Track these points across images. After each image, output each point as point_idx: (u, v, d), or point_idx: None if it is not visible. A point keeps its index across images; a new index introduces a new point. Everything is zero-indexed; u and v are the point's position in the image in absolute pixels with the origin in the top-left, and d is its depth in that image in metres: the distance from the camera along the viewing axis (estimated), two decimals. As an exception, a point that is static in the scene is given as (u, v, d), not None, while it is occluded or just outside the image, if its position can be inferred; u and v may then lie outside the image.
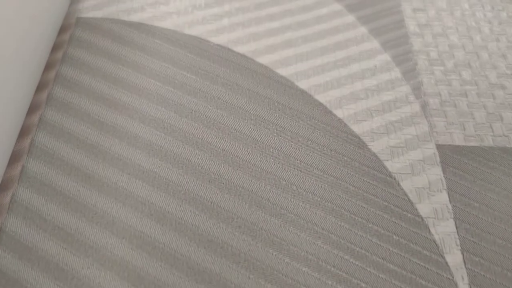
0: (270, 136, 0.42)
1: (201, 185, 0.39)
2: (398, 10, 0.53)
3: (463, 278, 0.35)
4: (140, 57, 0.47)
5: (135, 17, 0.50)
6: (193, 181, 0.39)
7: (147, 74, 0.45)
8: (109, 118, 0.42)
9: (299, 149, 0.41)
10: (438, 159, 0.42)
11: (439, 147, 0.42)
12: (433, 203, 0.39)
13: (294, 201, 0.38)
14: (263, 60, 0.47)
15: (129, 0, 0.52)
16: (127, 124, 0.42)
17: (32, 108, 0.43)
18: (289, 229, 0.36)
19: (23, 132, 0.41)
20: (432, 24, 0.52)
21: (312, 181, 0.39)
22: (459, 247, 0.37)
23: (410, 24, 0.52)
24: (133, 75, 0.45)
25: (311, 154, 0.41)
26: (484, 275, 0.35)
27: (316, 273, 0.34)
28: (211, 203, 0.38)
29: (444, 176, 0.41)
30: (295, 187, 0.39)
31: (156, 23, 0.50)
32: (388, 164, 0.41)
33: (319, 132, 0.42)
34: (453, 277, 0.35)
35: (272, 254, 0.35)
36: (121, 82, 0.44)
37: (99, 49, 0.47)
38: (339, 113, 0.44)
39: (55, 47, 0.47)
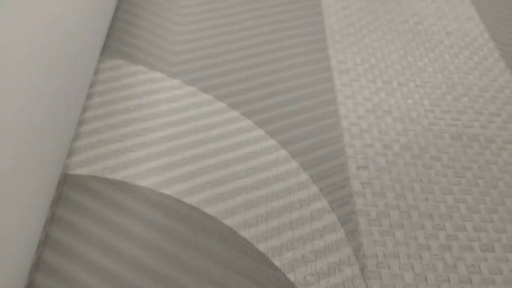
0: (233, 301, 0.49)
1: None
2: (345, 168, 0.63)
3: None
4: (121, 219, 0.53)
5: (118, 175, 0.57)
6: None
7: (129, 238, 0.52)
8: None
9: (256, 315, 0.48)
10: (372, 321, 0.50)
11: (373, 309, 0.51)
12: None
13: None
14: (229, 221, 0.55)
15: (113, 156, 0.59)
16: (109, 291, 0.48)
17: (24, 272, 0.48)
18: None
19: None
20: (373, 183, 0.62)
21: None
22: None
23: (354, 183, 0.61)
24: (115, 239, 0.52)
25: (266, 320, 0.48)
26: None
27: None
28: None
29: None
30: None
31: (137, 181, 0.57)
32: (331, 328, 0.49)
33: (274, 297, 0.50)
34: None
35: None
36: (113, 248, 0.51)
37: (86, 210, 0.54)
38: (291, 276, 0.52)
39: (46, 207, 0.54)
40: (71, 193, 0.55)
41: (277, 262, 0.53)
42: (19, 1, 0.46)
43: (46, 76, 0.49)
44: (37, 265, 0.49)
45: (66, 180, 0.56)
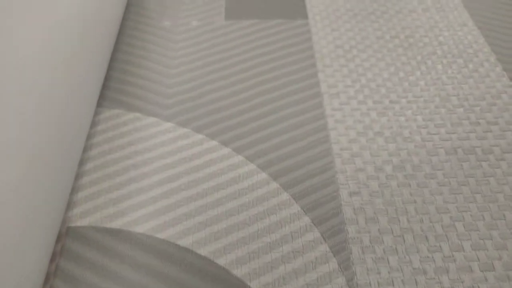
0: None
1: None
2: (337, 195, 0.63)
3: None
4: (120, 267, 0.56)
5: (116, 223, 0.60)
6: None
7: (126, 285, 0.54)
8: (93, 334, 0.51)
9: None
10: None
11: None
12: None
13: None
14: (221, 261, 0.57)
15: (111, 204, 0.62)
16: None
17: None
18: None
19: None
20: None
21: None
22: None
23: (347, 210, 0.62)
24: (114, 287, 0.54)
25: None
26: None
27: None
28: None
29: None
30: None
31: (134, 227, 0.60)
32: None
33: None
34: None
35: None
36: (103, 295, 0.54)
37: (87, 261, 0.57)
38: (284, 312, 0.52)
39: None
40: (72, 245, 0.59)
41: (269, 298, 0.54)
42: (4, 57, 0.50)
43: (44, 132, 0.52)
44: (42, 318, 0.53)
45: (68, 233, 0.60)
